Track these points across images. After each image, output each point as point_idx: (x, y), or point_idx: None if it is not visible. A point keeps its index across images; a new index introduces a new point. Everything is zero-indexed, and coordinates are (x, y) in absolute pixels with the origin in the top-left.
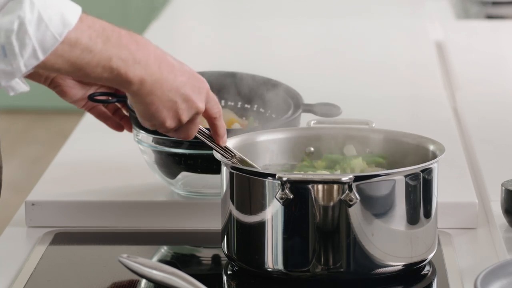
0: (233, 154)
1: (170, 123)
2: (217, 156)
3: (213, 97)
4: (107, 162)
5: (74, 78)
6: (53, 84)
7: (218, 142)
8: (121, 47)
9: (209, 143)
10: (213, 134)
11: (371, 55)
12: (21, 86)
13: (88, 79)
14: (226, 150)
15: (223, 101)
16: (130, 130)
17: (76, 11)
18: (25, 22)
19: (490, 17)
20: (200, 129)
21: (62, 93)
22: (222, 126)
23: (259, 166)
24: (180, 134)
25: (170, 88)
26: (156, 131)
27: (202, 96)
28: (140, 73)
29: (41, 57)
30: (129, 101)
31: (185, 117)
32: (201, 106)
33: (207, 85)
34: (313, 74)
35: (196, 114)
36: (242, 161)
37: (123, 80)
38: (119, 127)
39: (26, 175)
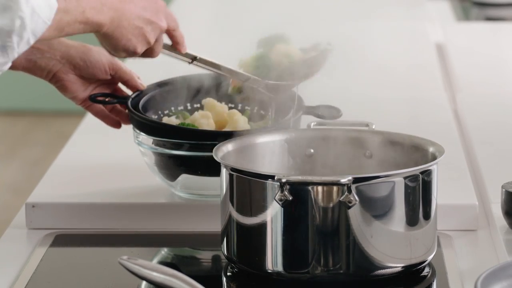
0: (195, 56)
1: (140, 47)
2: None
3: (170, 12)
4: (107, 164)
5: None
6: (54, 79)
7: (180, 50)
8: None
9: (172, 53)
10: (174, 44)
11: (371, 57)
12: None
13: (69, 35)
14: (188, 55)
15: (223, 103)
16: (126, 123)
17: None
18: (26, 21)
19: (490, 19)
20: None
21: (62, 88)
22: (180, 35)
23: (259, 167)
24: (149, 54)
25: (134, 16)
26: (156, 132)
27: (161, 15)
28: (108, 13)
29: (32, 41)
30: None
31: (152, 39)
32: (164, 25)
33: (163, 3)
34: (313, 76)
35: (160, 32)
36: (203, 61)
37: (96, 25)
38: (117, 124)
39: (26, 177)
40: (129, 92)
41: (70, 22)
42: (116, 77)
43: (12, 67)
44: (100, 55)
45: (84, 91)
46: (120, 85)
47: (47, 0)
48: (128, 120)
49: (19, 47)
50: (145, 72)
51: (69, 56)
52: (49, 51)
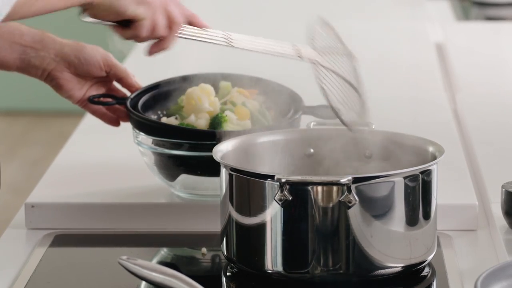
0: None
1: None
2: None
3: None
4: (107, 164)
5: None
6: (49, 78)
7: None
8: None
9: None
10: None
11: (371, 57)
12: None
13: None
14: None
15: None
16: (125, 120)
17: None
18: None
19: (490, 18)
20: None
21: (58, 86)
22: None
23: (259, 168)
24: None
25: None
26: (155, 132)
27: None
28: None
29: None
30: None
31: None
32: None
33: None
34: (313, 76)
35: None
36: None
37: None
38: (115, 122)
39: (26, 177)
40: (125, 91)
41: None
42: (111, 74)
43: (6, 68)
44: (94, 52)
45: (79, 89)
46: (115, 84)
47: None
48: (127, 117)
49: None
50: (144, 72)
51: (63, 54)
52: (43, 50)
